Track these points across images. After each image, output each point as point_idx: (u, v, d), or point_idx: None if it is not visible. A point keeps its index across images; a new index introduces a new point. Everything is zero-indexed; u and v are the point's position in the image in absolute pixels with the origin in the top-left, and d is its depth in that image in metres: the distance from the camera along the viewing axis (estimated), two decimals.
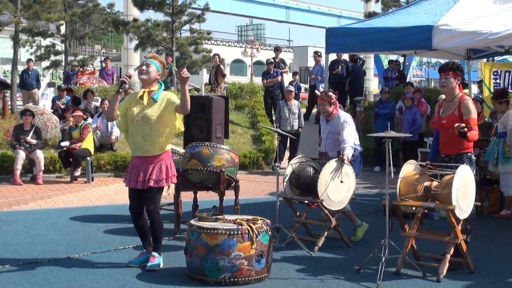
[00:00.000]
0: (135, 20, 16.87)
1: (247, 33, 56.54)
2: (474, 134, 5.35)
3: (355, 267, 5.37)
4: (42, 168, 10.36)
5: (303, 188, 6.27)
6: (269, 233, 5.07)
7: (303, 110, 13.89)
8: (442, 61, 15.92)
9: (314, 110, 16.04)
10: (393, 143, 5.50)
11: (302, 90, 19.94)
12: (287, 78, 17.16)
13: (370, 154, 12.59)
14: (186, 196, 7.27)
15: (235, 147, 11.29)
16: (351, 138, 6.31)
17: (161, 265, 5.28)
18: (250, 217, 5.22)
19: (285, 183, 6.33)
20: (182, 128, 5.37)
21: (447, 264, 5.11)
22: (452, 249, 5.17)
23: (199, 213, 5.97)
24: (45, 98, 21.48)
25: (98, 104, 13.02)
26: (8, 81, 15.03)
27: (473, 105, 5.50)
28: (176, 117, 5.20)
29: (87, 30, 23.02)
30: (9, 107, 15.03)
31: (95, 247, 6.04)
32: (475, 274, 5.25)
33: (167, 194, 6.30)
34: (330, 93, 6.53)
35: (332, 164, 6.02)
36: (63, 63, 18.72)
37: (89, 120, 11.63)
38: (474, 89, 19.42)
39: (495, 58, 13.04)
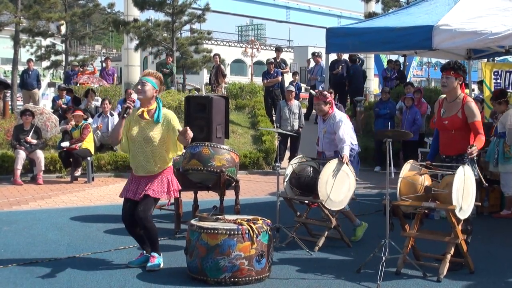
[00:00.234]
0: (135, 20, 16.83)
1: (248, 33, 56.56)
2: (481, 140, 5.31)
3: (356, 267, 5.37)
4: (43, 168, 10.36)
5: (304, 188, 6.27)
6: (270, 233, 5.08)
7: (304, 110, 13.89)
8: (443, 61, 15.91)
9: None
10: (393, 143, 5.50)
11: (302, 90, 19.94)
12: (288, 78, 17.16)
13: (370, 154, 12.60)
14: (187, 196, 7.27)
15: (236, 147, 11.29)
16: (347, 136, 6.31)
17: (161, 265, 5.29)
18: (250, 217, 5.22)
19: (285, 183, 6.33)
20: (181, 152, 5.40)
21: (447, 264, 5.11)
22: (453, 249, 5.17)
23: (200, 213, 5.97)
24: (45, 98, 21.50)
25: (98, 104, 13.01)
26: (9, 81, 15.02)
27: (476, 106, 5.48)
28: (176, 141, 5.20)
29: (88, 30, 23.03)
30: (10, 107, 15.03)
31: (96, 247, 6.04)
32: (475, 274, 5.25)
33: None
34: (325, 92, 6.54)
35: (332, 164, 6.02)
36: (63, 63, 18.72)
37: (90, 120, 11.64)
38: (475, 89, 19.41)
39: (496, 58, 13.02)
